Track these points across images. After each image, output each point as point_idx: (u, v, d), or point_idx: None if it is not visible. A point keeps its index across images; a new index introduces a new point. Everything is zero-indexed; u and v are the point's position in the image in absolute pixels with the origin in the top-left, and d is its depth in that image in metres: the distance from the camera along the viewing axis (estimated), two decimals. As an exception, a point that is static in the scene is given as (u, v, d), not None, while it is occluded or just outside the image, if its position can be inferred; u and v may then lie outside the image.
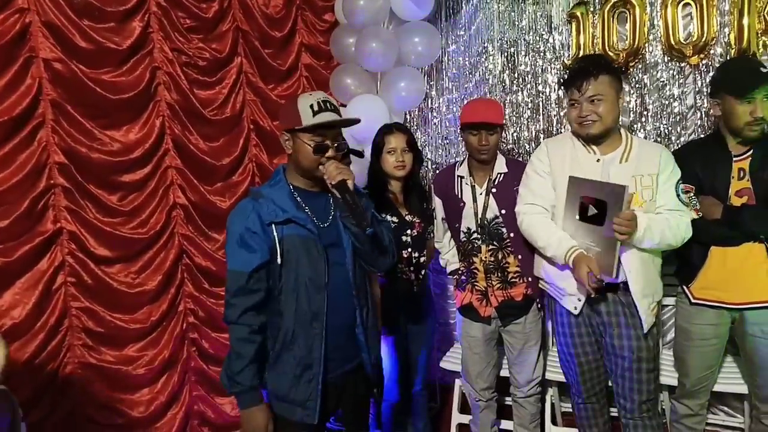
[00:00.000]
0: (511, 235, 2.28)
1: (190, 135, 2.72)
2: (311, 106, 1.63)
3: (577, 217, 1.96)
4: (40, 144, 2.27)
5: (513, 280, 2.32)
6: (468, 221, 2.35)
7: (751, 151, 2.05)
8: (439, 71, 3.38)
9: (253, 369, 1.64)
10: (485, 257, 2.32)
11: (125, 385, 2.52)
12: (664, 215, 1.96)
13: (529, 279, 2.30)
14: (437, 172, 3.36)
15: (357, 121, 1.76)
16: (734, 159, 2.08)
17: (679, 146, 2.55)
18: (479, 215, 2.32)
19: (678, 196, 1.98)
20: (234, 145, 2.93)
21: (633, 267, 1.96)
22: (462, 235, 2.37)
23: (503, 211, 2.28)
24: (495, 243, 2.31)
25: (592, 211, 1.92)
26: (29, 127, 2.24)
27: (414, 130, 3.40)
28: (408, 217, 2.44)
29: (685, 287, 2.20)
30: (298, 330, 1.66)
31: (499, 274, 2.32)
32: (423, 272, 2.51)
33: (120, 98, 2.46)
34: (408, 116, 3.46)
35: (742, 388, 2.38)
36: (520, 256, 2.29)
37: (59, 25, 2.29)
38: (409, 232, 2.43)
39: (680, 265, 2.24)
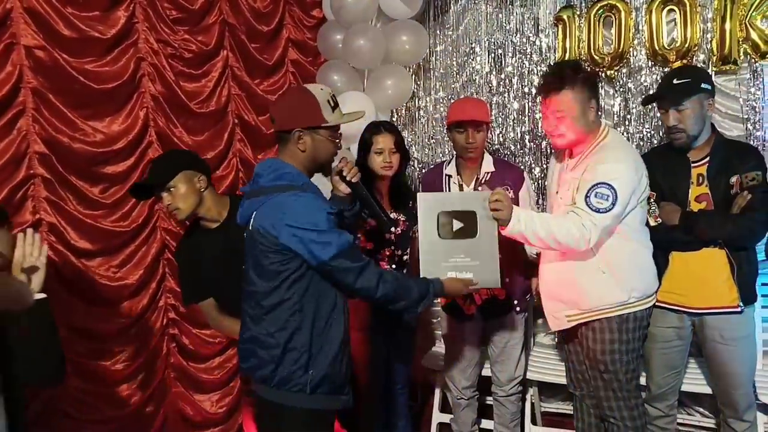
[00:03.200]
0: None
1: (174, 128, 2.69)
2: (329, 102, 1.66)
3: (438, 235, 1.88)
4: (20, 133, 2.22)
5: None
6: None
7: (709, 158, 2.09)
8: (427, 71, 3.39)
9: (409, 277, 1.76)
10: None
11: (103, 381, 2.48)
12: (563, 211, 2.01)
13: (507, 279, 2.32)
14: (424, 171, 3.36)
15: (362, 114, 1.86)
16: (693, 165, 2.11)
17: (643, 153, 2.60)
18: None
19: (587, 198, 1.92)
20: (218, 139, 2.90)
21: None
22: None
23: None
24: None
25: (457, 225, 1.86)
26: (9, 115, 2.19)
27: (401, 128, 3.40)
28: (392, 215, 2.44)
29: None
30: (341, 306, 1.68)
31: None
32: (405, 270, 2.51)
33: (103, 88, 2.42)
34: (395, 114, 3.46)
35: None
36: (500, 256, 2.30)
37: (41, 11, 2.24)
38: (393, 229, 2.43)
39: None
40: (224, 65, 2.92)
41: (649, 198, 2.13)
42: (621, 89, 2.93)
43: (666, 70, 2.81)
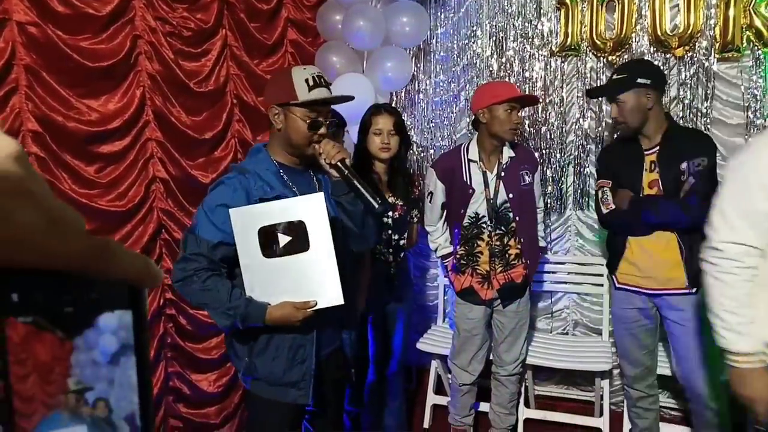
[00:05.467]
0: (517, 219, 2.34)
1: (171, 107, 2.66)
2: (306, 81, 1.59)
3: (262, 255, 1.55)
4: (13, 110, 2.19)
5: (513, 261, 2.38)
6: (477, 207, 2.38)
7: (659, 146, 2.18)
8: (427, 53, 3.35)
9: (237, 290, 1.57)
10: (492, 241, 2.36)
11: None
12: None
13: (528, 261, 2.37)
14: (423, 155, 3.35)
15: (351, 98, 1.72)
16: (646, 152, 2.21)
17: (610, 144, 2.71)
18: (491, 200, 2.35)
19: None
20: (217, 119, 2.87)
21: None
22: (467, 220, 2.39)
23: (511, 195, 2.35)
24: (503, 227, 2.36)
25: (283, 240, 1.53)
26: (1, 92, 2.16)
27: (400, 111, 3.38)
28: (390, 200, 2.44)
29: (612, 275, 2.35)
30: None
31: (502, 258, 2.37)
32: (402, 255, 2.51)
33: (99, 66, 2.38)
34: (395, 97, 3.43)
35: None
36: (522, 239, 2.35)
37: (35, -14, 2.20)
38: (390, 214, 2.43)
39: (609, 255, 2.39)
40: (223, 44, 2.88)
41: (602, 187, 2.25)
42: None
43: (668, 56, 2.79)
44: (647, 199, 2.16)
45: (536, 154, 3.05)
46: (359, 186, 1.57)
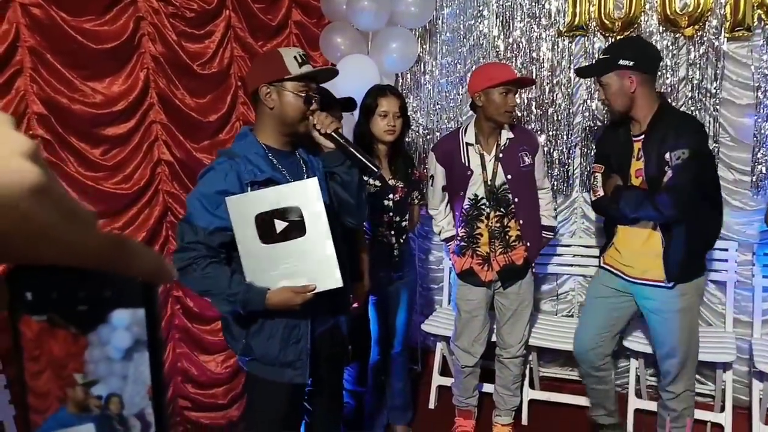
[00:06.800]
0: (516, 200, 2.34)
1: (176, 90, 2.65)
2: (295, 58, 1.63)
3: (260, 240, 1.56)
4: (18, 93, 2.19)
5: (513, 243, 2.38)
6: (475, 188, 2.38)
7: (645, 133, 2.10)
8: (433, 34, 3.31)
9: (237, 277, 1.58)
10: (492, 223, 2.37)
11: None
12: None
13: (528, 244, 2.37)
14: (429, 137, 3.33)
15: (336, 71, 1.80)
16: (634, 139, 2.13)
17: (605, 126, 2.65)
18: (489, 182, 2.34)
19: None
20: (221, 102, 2.86)
21: None
22: (467, 202, 2.39)
23: (509, 177, 2.34)
24: (502, 209, 2.37)
25: (280, 225, 1.55)
26: (6, 74, 2.16)
27: (405, 93, 3.35)
28: (391, 182, 2.44)
29: (601, 256, 2.38)
30: None
31: (502, 239, 2.37)
32: (404, 237, 2.52)
33: (102, 48, 2.38)
34: (400, 79, 3.40)
35: (714, 357, 2.46)
36: (521, 221, 2.34)
37: (37, -33, 2.18)
38: (391, 196, 2.43)
39: (605, 238, 2.39)
40: (227, 26, 2.86)
41: (594, 172, 2.21)
42: (631, 55, 2.86)
43: (677, 36, 2.75)
44: (625, 191, 2.10)
45: (542, 136, 3.05)
46: (355, 152, 1.61)
